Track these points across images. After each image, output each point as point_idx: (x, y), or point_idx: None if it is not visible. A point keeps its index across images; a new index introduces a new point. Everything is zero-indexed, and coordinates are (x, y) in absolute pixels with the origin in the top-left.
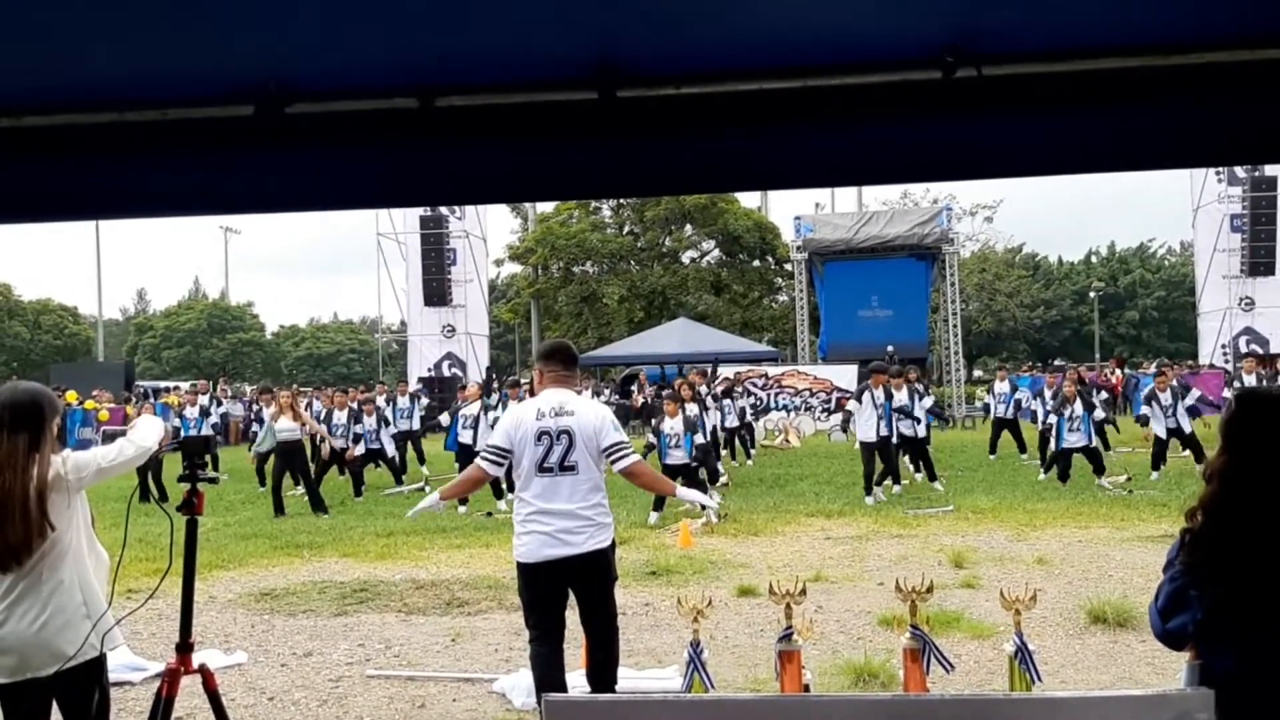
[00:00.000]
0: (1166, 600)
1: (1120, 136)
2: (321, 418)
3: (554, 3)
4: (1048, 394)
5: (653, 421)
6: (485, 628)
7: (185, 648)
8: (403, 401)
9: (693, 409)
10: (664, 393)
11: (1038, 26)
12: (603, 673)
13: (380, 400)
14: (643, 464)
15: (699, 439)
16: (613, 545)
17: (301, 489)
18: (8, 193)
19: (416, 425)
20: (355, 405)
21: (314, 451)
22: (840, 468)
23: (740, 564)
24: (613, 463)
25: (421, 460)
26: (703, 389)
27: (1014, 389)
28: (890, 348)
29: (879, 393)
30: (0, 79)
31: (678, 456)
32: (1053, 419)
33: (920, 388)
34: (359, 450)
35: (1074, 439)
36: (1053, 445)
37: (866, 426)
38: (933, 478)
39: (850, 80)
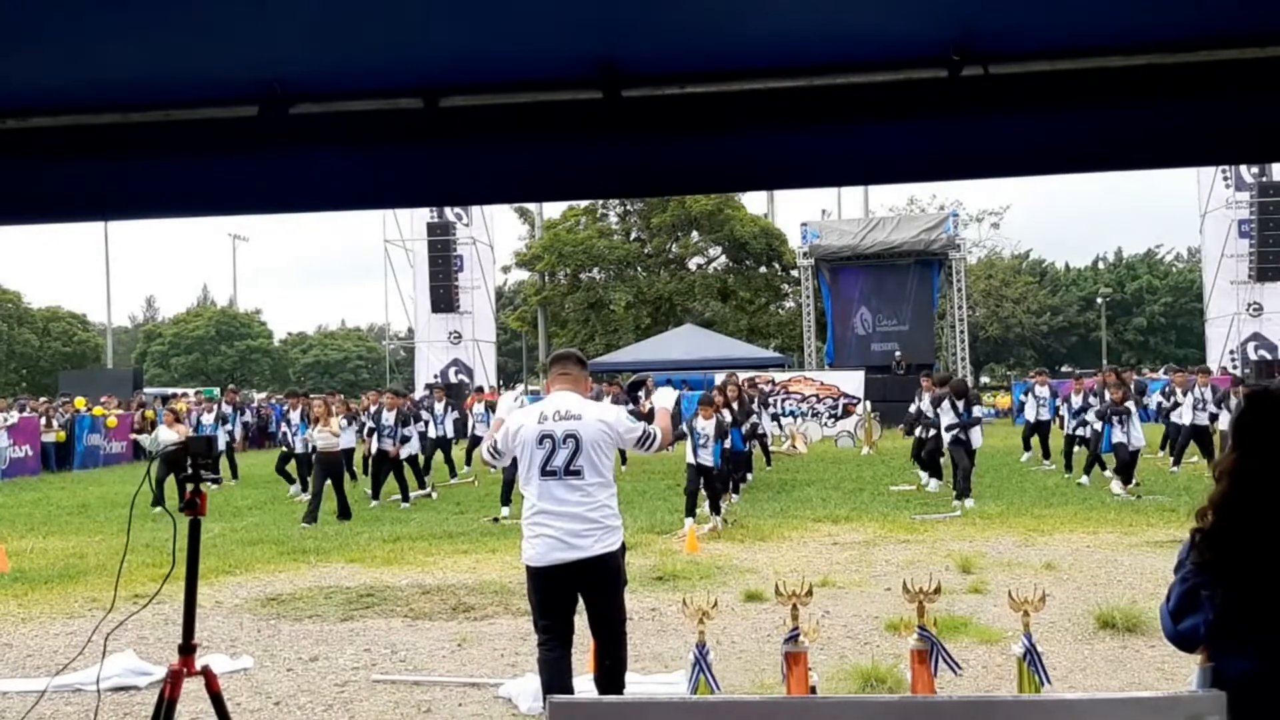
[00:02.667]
0: (1177, 601)
1: (1129, 135)
2: (371, 417)
3: (559, 2)
4: (1075, 400)
5: (686, 419)
6: (491, 633)
7: (188, 649)
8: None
9: (725, 415)
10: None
11: (1045, 25)
12: (611, 677)
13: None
14: (664, 434)
15: (727, 445)
16: (622, 549)
17: (305, 495)
18: (14, 193)
19: (451, 432)
20: (407, 406)
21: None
22: (847, 473)
23: (747, 569)
24: (648, 450)
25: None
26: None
27: (1054, 394)
28: (897, 354)
29: (960, 403)
30: (6, 80)
31: (705, 458)
32: (1097, 425)
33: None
34: (405, 451)
35: (1121, 439)
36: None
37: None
38: (939, 476)
39: (856, 79)
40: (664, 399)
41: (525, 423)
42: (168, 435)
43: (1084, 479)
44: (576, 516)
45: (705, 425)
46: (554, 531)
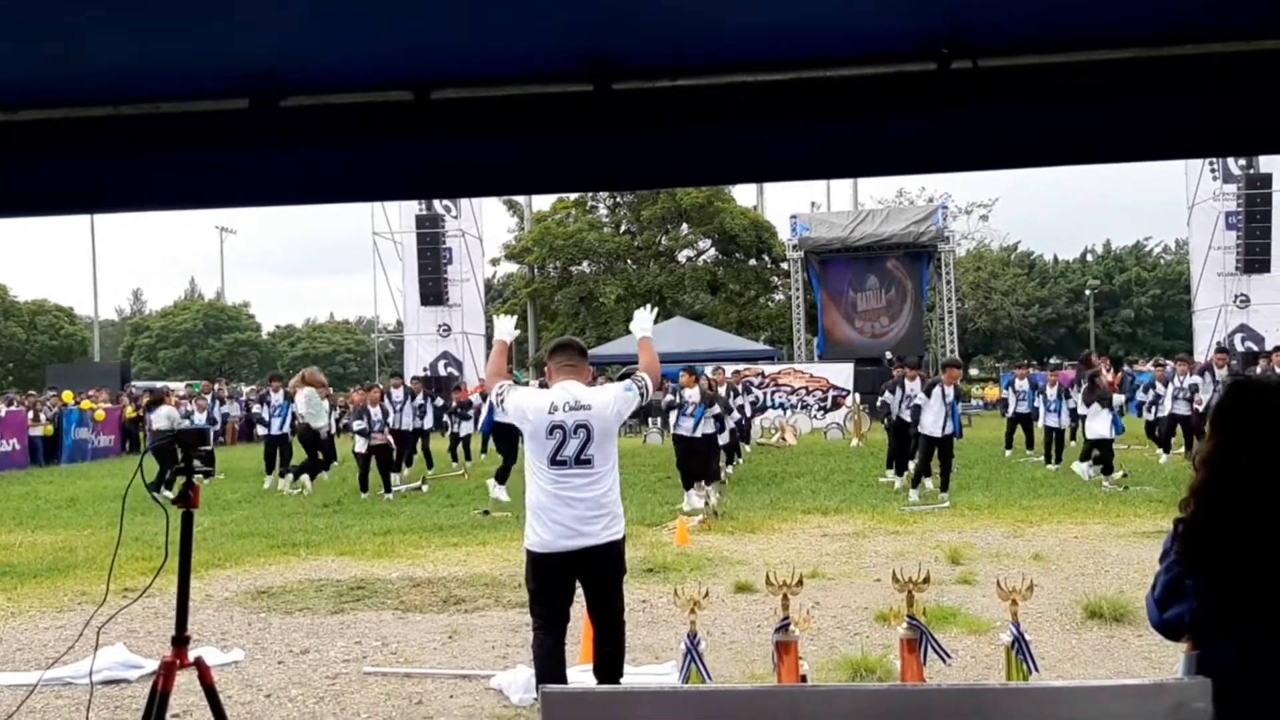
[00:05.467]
0: (1163, 590)
1: (1116, 127)
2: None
3: None
4: (1050, 392)
5: (670, 387)
6: (482, 625)
7: (181, 641)
8: (418, 399)
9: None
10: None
11: (1033, 19)
12: (610, 664)
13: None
14: (654, 370)
15: (714, 412)
16: (623, 539)
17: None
18: (3, 187)
19: (430, 424)
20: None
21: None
22: (836, 465)
23: (737, 561)
24: (647, 399)
25: (429, 461)
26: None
27: (1034, 387)
28: (889, 354)
29: (949, 389)
30: None
31: (685, 427)
32: (1081, 411)
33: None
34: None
35: (1100, 428)
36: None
37: (933, 422)
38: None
39: (846, 72)
40: (642, 323)
41: (538, 407)
42: (174, 414)
43: (1076, 466)
44: (588, 502)
45: (690, 393)
46: (563, 519)
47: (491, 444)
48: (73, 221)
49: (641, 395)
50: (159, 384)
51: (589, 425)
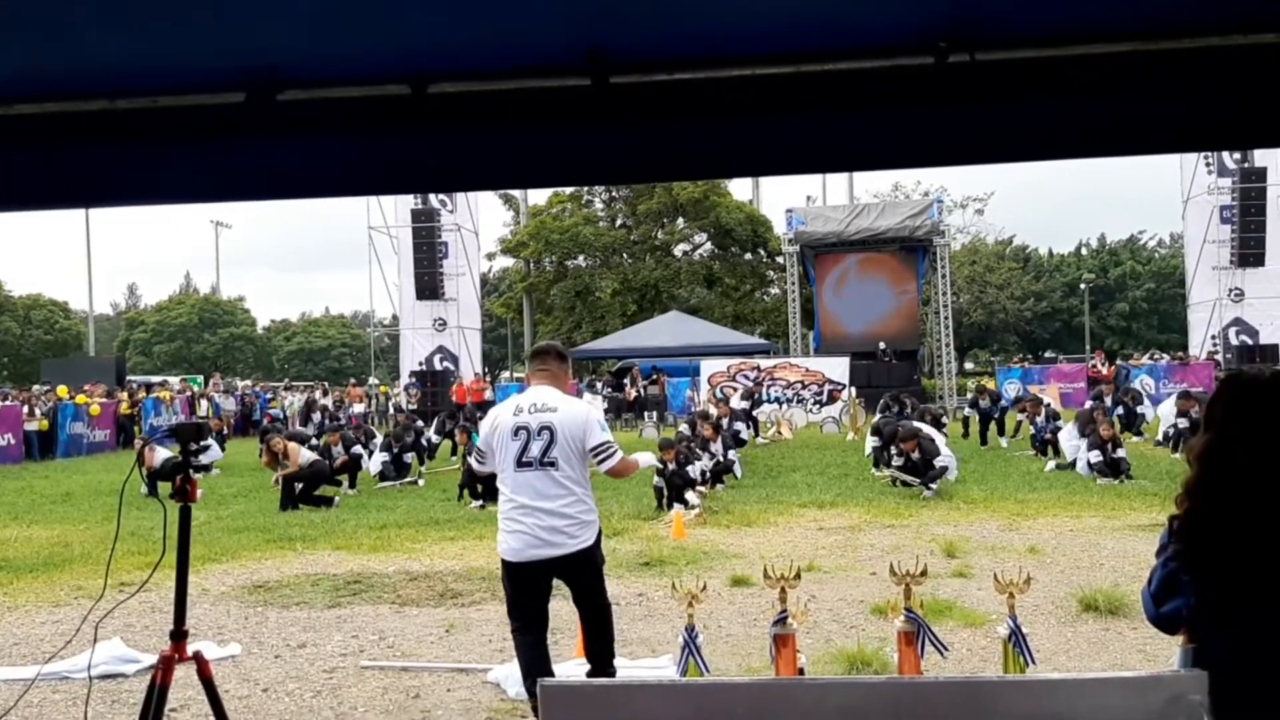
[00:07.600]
0: (1159, 585)
1: (1114, 121)
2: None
3: None
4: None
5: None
6: (479, 619)
7: (180, 635)
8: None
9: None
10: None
11: (1030, 12)
12: (600, 658)
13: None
14: (623, 460)
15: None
16: (598, 539)
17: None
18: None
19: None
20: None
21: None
22: (832, 459)
23: (733, 554)
24: (600, 463)
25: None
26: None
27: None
28: (882, 344)
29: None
30: None
31: None
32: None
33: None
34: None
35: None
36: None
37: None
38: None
39: (844, 66)
40: (645, 459)
41: (501, 416)
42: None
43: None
44: (553, 513)
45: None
46: (528, 528)
47: None
48: (67, 216)
49: (602, 450)
50: (156, 378)
51: (553, 427)
